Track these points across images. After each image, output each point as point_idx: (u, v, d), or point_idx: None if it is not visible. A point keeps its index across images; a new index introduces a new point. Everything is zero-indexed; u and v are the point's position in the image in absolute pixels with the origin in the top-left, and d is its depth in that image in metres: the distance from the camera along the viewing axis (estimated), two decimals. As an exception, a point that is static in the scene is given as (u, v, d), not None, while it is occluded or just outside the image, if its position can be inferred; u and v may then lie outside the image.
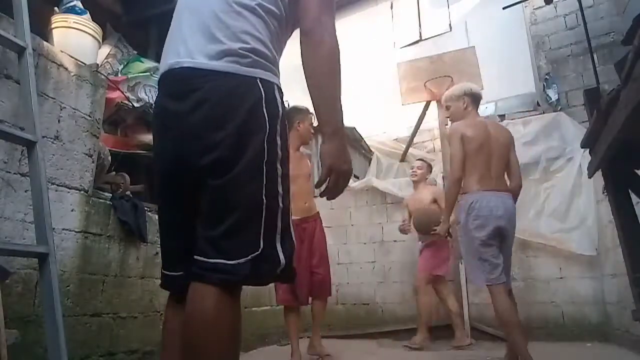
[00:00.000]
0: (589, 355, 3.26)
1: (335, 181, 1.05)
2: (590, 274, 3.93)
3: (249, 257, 0.89)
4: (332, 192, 1.08)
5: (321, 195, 1.10)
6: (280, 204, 0.96)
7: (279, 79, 1.06)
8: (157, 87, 1.11)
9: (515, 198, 2.61)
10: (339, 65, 1.04)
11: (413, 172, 4.11)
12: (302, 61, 1.02)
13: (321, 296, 3.18)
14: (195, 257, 0.92)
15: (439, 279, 3.79)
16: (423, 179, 4.09)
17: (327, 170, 1.05)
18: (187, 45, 1.02)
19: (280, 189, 0.97)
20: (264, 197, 0.93)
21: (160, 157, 1.06)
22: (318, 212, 3.17)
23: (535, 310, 4.04)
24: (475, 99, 2.79)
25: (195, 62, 0.98)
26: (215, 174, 0.93)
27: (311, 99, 1.03)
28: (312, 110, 1.14)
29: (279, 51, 1.12)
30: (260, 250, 0.91)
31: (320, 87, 1.02)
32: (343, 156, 1.04)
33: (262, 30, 1.02)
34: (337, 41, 1.04)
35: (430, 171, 4.25)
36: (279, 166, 0.98)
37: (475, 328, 3.88)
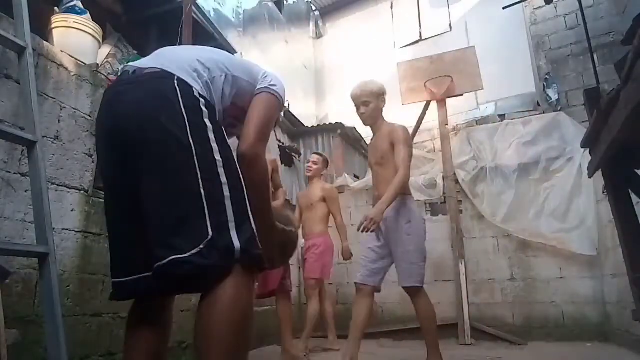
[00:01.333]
0: (589, 355, 3.26)
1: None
2: (590, 274, 3.93)
3: (201, 246, 0.92)
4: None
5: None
6: (226, 193, 0.99)
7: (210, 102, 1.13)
8: None
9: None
10: (263, 176, 1.19)
11: (308, 167, 3.88)
12: (242, 175, 1.11)
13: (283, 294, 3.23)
14: (155, 264, 0.94)
15: (322, 282, 3.73)
16: (318, 174, 3.86)
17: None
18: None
19: (222, 179, 1.00)
20: (201, 189, 0.96)
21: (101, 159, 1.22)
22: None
23: (535, 310, 4.04)
24: (385, 99, 2.68)
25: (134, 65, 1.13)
26: (147, 175, 0.99)
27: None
28: None
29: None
30: (209, 237, 0.93)
31: (254, 198, 1.11)
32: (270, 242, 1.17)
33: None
34: (265, 161, 1.18)
35: (327, 167, 4.04)
36: (217, 157, 1.02)
37: (475, 328, 3.88)
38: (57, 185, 2.23)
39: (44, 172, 1.60)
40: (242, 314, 0.94)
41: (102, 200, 2.51)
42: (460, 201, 4.54)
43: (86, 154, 2.42)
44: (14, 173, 2.00)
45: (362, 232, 2.30)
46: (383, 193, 2.41)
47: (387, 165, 2.53)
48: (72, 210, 2.29)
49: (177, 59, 1.14)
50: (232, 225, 0.97)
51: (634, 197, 1.68)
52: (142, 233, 1.00)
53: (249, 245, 0.98)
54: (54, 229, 1.90)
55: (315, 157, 3.91)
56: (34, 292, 2.00)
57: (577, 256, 3.96)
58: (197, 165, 0.98)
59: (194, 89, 1.07)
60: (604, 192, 3.43)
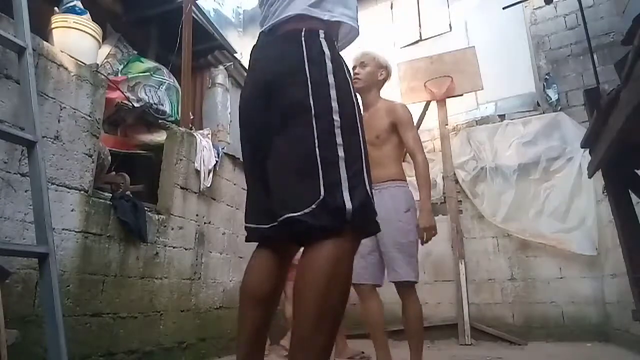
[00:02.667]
0: (589, 355, 3.26)
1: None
2: (590, 274, 3.93)
3: (314, 206, 0.92)
4: None
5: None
6: (341, 154, 0.98)
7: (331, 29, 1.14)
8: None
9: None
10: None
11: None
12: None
13: None
14: (278, 218, 0.99)
15: None
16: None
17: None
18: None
19: (338, 140, 0.99)
20: (316, 149, 0.97)
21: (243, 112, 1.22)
22: None
23: (535, 310, 4.04)
24: (386, 80, 2.51)
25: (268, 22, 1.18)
26: (271, 131, 1.04)
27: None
28: None
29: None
30: (321, 197, 0.93)
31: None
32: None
33: None
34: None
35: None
36: (335, 117, 1.00)
37: (475, 328, 3.88)
38: (57, 185, 2.23)
39: (44, 172, 1.60)
40: (342, 276, 0.93)
41: (102, 200, 2.52)
42: (460, 201, 4.55)
43: (86, 154, 2.42)
44: (14, 173, 2.00)
45: (426, 243, 2.20)
46: (377, 176, 2.08)
47: (382, 147, 2.31)
48: (72, 210, 2.29)
49: None
50: (345, 186, 0.96)
51: (634, 197, 1.68)
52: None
53: (362, 207, 0.97)
54: (54, 229, 1.90)
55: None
56: (34, 292, 2.00)
57: (577, 256, 3.96)
58: (314, 127, 0.98)
59: (319, 37, 1.07)
60: (604, 192, 3.43)
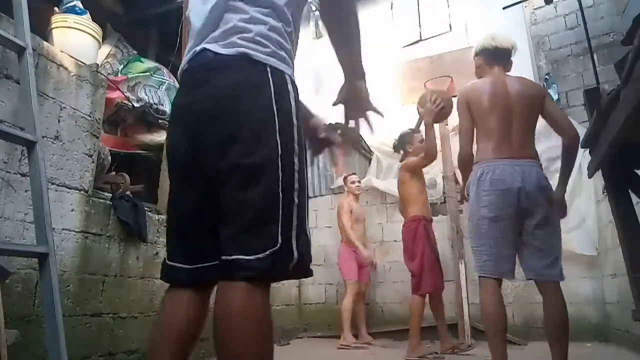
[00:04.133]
0: (589, 355, 3.26)
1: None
2: (590, 274, 3.92)
3: (268, 252, 0.90)
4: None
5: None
6: (296, 200, 0.96)
7: (293, 70, 1.08)
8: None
9: (572, 153, 2.24)
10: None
11: (357, 186, 4.44)
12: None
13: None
14: (223, 257, 0.92)
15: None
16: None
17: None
18: (206, 32, 1.04)
19: (296, 185, 0.97)
20: (280, 192, 0.93)
21: (173, 152, 1.10)
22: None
23: (535, 310, 4.04)
24: (491, 54, 2.30)
25: (212, 46, 1.01)
26: (231, 173, 0.94)
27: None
28: None
29: (294, 49, 1.13)
30: (279, 245, 0.91)
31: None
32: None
33: (276, 21, 1.05)
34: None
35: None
36: (295, 160, 0.98)
37: (475, 328, 3.88)
38: (57, 185, 2.23)
39: (44, 172, 1.60)
40: (268, 321, 0.93)
41: (102, 200, 2.52)
42: (460, 201, 4.54)
43: (86, 154, 2.42)
44: (14, 173, 2.00)
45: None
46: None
47: None
48: (72, 210, 2.29)
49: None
50: (294, 234, 0.94)
51: (634, 197, 1.68)
52: (213, 223, 0.98)
53: (304, 256, 0.96)
54: (54, 229, 1.90)
55: (356, 177, 4.50)
56: (34, 292, 2.00)
57: (577, 256, 3.95)
58: (280, 170, 0.94)
59: (287, 75, 1.02)
60: (604, 192, 3.43)
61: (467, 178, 2.20)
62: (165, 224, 1.15)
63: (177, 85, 3.80)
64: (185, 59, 1.08)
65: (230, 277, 0.90)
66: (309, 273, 1.01)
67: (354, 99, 1.22)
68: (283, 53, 1.03)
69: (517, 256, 2.10)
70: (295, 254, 0.94)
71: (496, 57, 2.30)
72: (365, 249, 4.20)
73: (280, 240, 0.91)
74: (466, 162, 2.17)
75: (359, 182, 4.44)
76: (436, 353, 3.23)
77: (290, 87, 1.01)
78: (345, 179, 4.57)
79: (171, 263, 1.06)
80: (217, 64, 0.99)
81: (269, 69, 0.99)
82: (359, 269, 4.20)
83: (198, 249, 1.03)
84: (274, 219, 0.92)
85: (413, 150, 3.59)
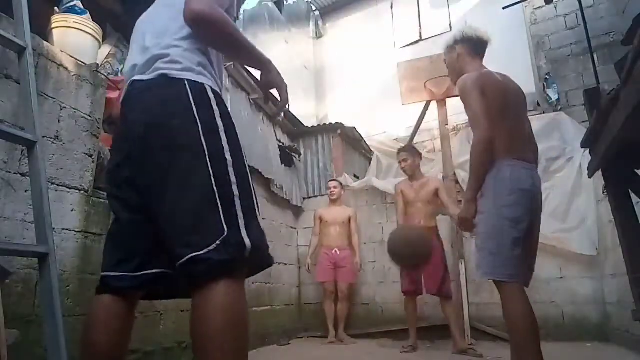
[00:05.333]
0: (589, 355, 3.26)
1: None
2: (590, 274, 3.93)
3: (218, 242, 0.94)
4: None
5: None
6: (235, 191, 1.02)
7: (219, 78, 1.23)
8: None
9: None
10: (225, 27, 1.15)
11: (331, 192, 4.63)
12: (210, 39, 1.19)
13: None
14: (175, 264, 0.96)
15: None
16: (340, 196, 4.69)
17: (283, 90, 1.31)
18: (136, 64, 1.21)
19: (232, 178, 1.03)
20: (214, 187, 0.99)
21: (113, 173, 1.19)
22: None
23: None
24: (475, 44, 2.22)
25: (138, 77, 1.15)
26: (163, 180, 1.02)
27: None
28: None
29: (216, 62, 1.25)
30: (225, 233, 0.95)
31: (232, 50, 1.26)
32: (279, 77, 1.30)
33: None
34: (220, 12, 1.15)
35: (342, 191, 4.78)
36: (227, 157, 1.04)
37: (475, 328, 3.88)
38: (57, 185, 2.23)
39: (44, 172, 1.60)
40: (242, 317, 0.95)
41: (102, 200, 2.51)
42: (461, 201, 4.54)
43: (86, 154, 2.42)
44: (14, 173, 2.00)
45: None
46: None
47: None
48: (72, 210, 2.29)
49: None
50: (241, 223, 0.99)
51: (634, 197, 1.69)
52: (151, 232, 1.07)
53: (258, 243, 1.00)
54: (54, 229, 1.90)
55: (334, 183, 4.66)
56: (34, 292, 2.00)
57: (577, 256, 3.96)
58: (209, 167, 1.01)
59: (204, 85, 1.11)
60: (604, 192, 3.43)
61: (483, 174, 1.90)
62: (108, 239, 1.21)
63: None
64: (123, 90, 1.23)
65: (193, 277, 0.94)
66: (268, 261, 1.06)
67: (261, 78, 1.31)
68: (200, 68, 1.13)
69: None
70: (247, 241, 0.97)
71: (478, 48, 2.22)
72: (345, 250, 4.43)
73: (225, 229, 0.96)
74: (489, 149, 1.88)
75: (335, 187, 4.62)
76: (473, 350, 3.35)
77: (210, 94, 1.11)
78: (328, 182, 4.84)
79: (112, 273, 1.11)
80: (142, 86, 1.12)
81: (186, 83, 1.09)
82: (335, 269, 4.34)
83: (142, 259, 1.10)
84: (213, 211, 0.97)
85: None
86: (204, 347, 0.90)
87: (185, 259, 0.94)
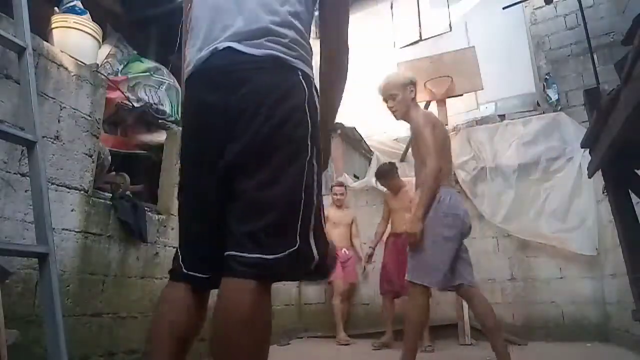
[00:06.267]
0: (589, 355, 3.26)
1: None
2: (590, 274, 3.92)
3: (286, 253, 0.90)
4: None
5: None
6: (315, 201, 0.97)
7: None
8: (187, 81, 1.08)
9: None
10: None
11: (338, 198, 4.67)
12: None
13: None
14: (232, 252, 0.90)
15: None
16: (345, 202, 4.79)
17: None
18: (227, 27, 1.00)
19: (316, 187, 0.98)
20: (302, 194, 0.94)
21: (190, 150, 1.06)
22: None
23: (535, 310, 4.04)
24: (416, 88, 2.55)
25: (238, 46, 0.97)
26: (256, 171, 0.93)
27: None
28: None
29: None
30: (297, 245, 0.91)
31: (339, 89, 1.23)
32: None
33: (301, 21, 1.05)
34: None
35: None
36: (315, 163, 0.99)
37: (475, 328, 3.88)
38: (57, 185, 2.23)
39: (44, 172, 1.60)
40: (269, 321, 0.94)
41: (102, 200, 2.52)
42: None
43: (86, 154, 2.42)
44: (14, 173, 2.00)
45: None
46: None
47: (418, 159, 2.37)
48: (72, 210, 2.29)
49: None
50: (311, 235, 0.95)
51: (634, 197, 1.68)
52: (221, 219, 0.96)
53: (323, 257, 0.97)
54: (54, 229, 1.90)
55: (340, 189, 4.69)
56: (34, 292, 2.00)
57: (577, 256, 3.95)
58: (305, 171, 0.96)
59: (313, 80, 1.04)
60: (604, 192, 3.43)
61: (433, 198, 2.25)
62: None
63: (177, 86, 3.79)
64: (201, 54, 1.02)
65: (242, 274, 0.88)
66: (329, 271, 1.03)
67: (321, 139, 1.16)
68: (309, 57, 1.06)
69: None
70: (316, 254, 0.94)
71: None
72: (348, 249, 4.52)
73: (298, 241, 0.92)
74: (439, 175, 2.27)
75: (342, 194, 4.67)
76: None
77: (314, 91, 1.03)
78: (331, 187, 4.83)
79: (187, 272, 1.03)
80: (251, 65, 0.96)
81: (300, 73, 1.00)
82: (342, 269, 4.38)
83: (214, 256, 0.98)
84: (294, 219, 0.92)
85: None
86: (230, 343, 0.87)
87: (250, 256, 0.88)
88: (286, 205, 0.92)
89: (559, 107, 4.74)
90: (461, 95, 4.67)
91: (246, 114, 0.94)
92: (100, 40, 3.12)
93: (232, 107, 0.95)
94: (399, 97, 2.48)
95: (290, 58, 0.99)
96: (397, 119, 2.57)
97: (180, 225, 1.10)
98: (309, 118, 0.98)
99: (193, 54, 1.05)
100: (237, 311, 0.87)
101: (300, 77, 1.00)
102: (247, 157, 0.94)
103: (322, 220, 1.00)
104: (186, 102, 1.10)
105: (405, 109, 2.48)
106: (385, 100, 2.56)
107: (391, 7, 7.17)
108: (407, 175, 5.00)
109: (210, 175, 0.99)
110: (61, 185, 2.25)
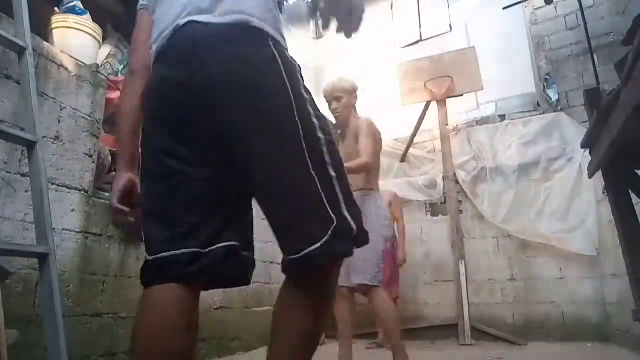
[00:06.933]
0: (589, 355, 3.26)
1: None
2: (590, 274, 3.93)
3: (329, 233, 0.85)
4: None
5: None
6: (332, 173, 0.90)
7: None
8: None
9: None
10: None
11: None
12: None
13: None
14: (289, 257, 0.87)
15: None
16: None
17: None
18: (188, 2, 0.93)
19: (327, 158, 0.90)
20: (312, 173, 0.87)
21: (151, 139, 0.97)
22: None
23: (535, 310, 4.04)
24: (357, 97, 2.68)
25: (200, 17, 0.89)
26: (256, 172, 0.88)
27: None
28: None
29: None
30: (335, 222, 0.86)
31: None
32: None
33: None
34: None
35: None
36: (319, 135, 0.91)
37: (475, 328, 3.88)
38: (57, 185, 2.23)
39: (44, 172, 1.60)
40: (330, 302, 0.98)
41: (102, 200, 2.51)
42: (460, 201, 4.54)
43: (86, 154, 2.42)
44: (14, 173, 2.00)
45: None
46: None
47: (349, 160, 2.40)
48: (72, 210, 2.29)
49: None
50: (343, 207, 0.89)
51: (634, 197, 1.68)
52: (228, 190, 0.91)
53: (361, 225, 0.92)
54: (54, 229, 1.90)
55: None
56: (34, 292, 2.00)
57: (577, 256, 3.96)
58: (304, 147, 0.87)
59: (284, 47, 0.95)
60: (604, 192, 3.43)
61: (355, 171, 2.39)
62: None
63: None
64: (162, 36, 0.94)
65: (306, 270, 0.88)
66: (366, 237, 0.95)
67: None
68: (279, 24, 0.98)
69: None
70: (353, 224, 0.89)
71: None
72: None
73: (334, 217, 0.86)
74: (367, 169, 2.44)
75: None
76: None
77: (290, 59, 0.95)
78: None
79: (171, 252, 0.90)
80: (216, 37, 0.88)
81: (270, 42, 0.91)
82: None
83: (213, 227, 0.89)
84: (318, 200, 0.86)
85: None
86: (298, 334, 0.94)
87: (300, 254, 0.84)
88: (301, 193, 0.86)
89: (559, 107, 4.74)
90: (461, 95, 4.68)
91: (217, 97, 0.86)
92: (100, 40, 3.12)
93: (199, 88, 0.87)
94: (343, 100, 2.59)
95: (259, 22, 0.91)
96: (337, 122, 2.69)
97: (143, 217, 1.01)
98: (290, 92, 0.89)
99: (155, 38, 0.98)
100: (299, 302, 0.93)
101: (271, 45, 0.91)
102: (246, 156, 0.89)
103: (350, 189, 0.94)
104: (148, 85, 0.99)
105: (348, 113, 2.60)
106: (329, 101, 2.64)
107: (391, 7, 7.16)
108: (407, 175, 5.02)
109: (174, 159, 0.90)
110: (61, 185, 2.25)
